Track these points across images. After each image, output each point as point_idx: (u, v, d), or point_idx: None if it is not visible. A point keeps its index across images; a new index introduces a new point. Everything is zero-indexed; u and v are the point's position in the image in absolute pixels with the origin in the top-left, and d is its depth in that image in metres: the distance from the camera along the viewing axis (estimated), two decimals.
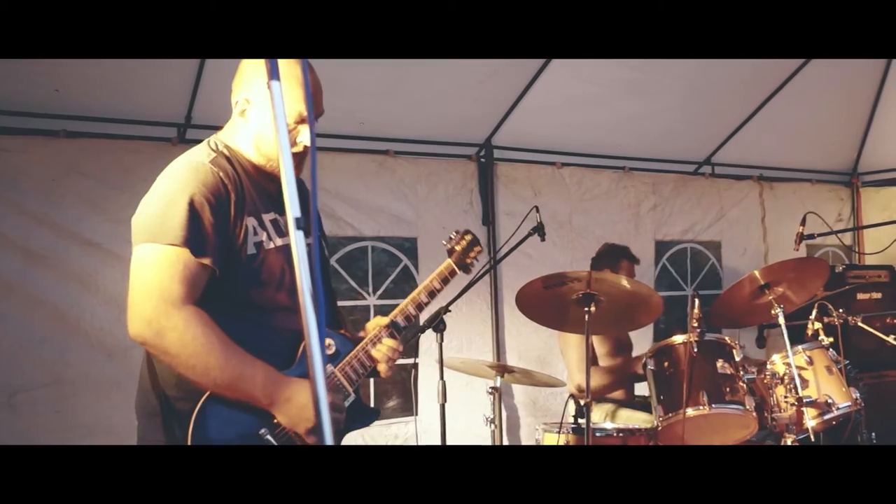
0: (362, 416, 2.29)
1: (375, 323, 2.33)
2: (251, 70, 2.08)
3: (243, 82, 2.09)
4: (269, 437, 1.97)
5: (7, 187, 3.55)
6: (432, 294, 2.43)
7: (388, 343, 2.26)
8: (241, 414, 1.94)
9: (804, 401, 3.48)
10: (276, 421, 1.98)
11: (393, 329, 2.30)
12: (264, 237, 2.07)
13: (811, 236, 4.01)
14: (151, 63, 3.51)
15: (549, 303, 3.45)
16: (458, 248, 2.53)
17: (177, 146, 3.87)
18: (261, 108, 2.05)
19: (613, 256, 4.38)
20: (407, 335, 2.39)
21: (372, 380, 4.50)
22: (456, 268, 2.50)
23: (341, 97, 4.04)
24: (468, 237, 2.55)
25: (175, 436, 1.94)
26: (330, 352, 2.20)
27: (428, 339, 3.24)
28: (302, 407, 1.95)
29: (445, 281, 2.47)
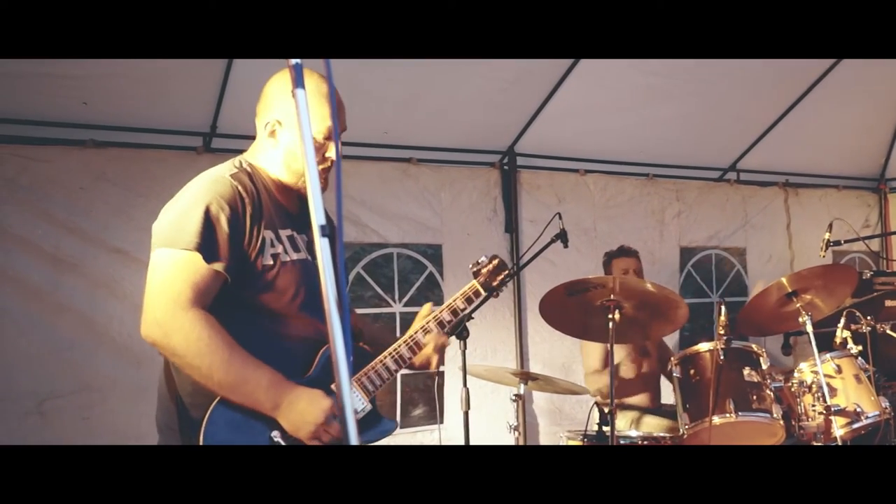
0: (376, 427, 2.24)
1: (426, 310, 2.42)
2: (276, 92, 2.12)
3: (270, 105, 2.13)
4: (279, 440, 1.97)
5: (37, 196, 3.61)
6: (454, 313, 2.43)
7: (437, 335, 2.35)
8: (251, 420, 1.96)
9: (832, 409, 3.43)
10: (282, 427, 1.98)
11: (440, 323, 2.38)
12: (281, 250, 2.09)
13: (838, 243, 3.96)
14: (177, 73, 3.56)
15: (572, 310, 3.43)
16: (484, 270, 2.49)
17: (202, 155, 3.92)
18: (292, 127, 2.10)
19: (604, 264, 4.37)
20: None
21: (399, 388, 4.51)
22: (481, 289, 2.48)
23: (365, 105, 4.08)
24: (496, 261, 2.51)
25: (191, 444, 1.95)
26: None
27: (452, 347, 3.25)
28: (302, 412, 1.95)
29: (469, 301, 2.46)
